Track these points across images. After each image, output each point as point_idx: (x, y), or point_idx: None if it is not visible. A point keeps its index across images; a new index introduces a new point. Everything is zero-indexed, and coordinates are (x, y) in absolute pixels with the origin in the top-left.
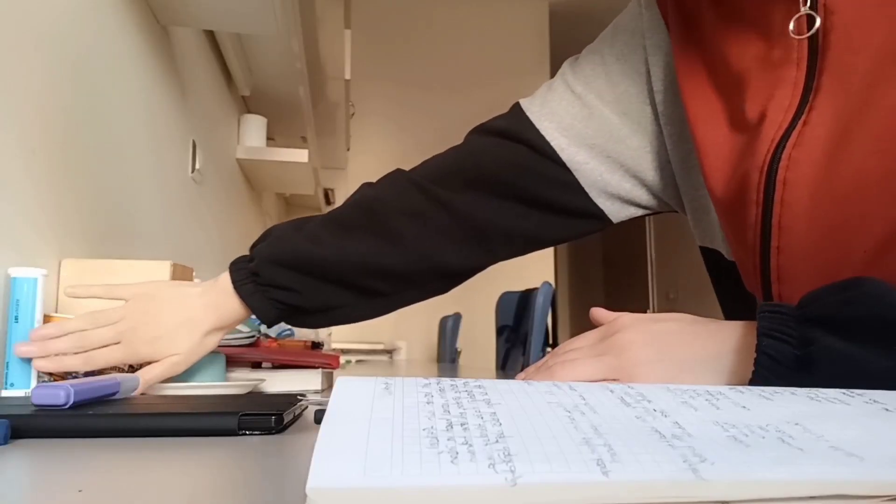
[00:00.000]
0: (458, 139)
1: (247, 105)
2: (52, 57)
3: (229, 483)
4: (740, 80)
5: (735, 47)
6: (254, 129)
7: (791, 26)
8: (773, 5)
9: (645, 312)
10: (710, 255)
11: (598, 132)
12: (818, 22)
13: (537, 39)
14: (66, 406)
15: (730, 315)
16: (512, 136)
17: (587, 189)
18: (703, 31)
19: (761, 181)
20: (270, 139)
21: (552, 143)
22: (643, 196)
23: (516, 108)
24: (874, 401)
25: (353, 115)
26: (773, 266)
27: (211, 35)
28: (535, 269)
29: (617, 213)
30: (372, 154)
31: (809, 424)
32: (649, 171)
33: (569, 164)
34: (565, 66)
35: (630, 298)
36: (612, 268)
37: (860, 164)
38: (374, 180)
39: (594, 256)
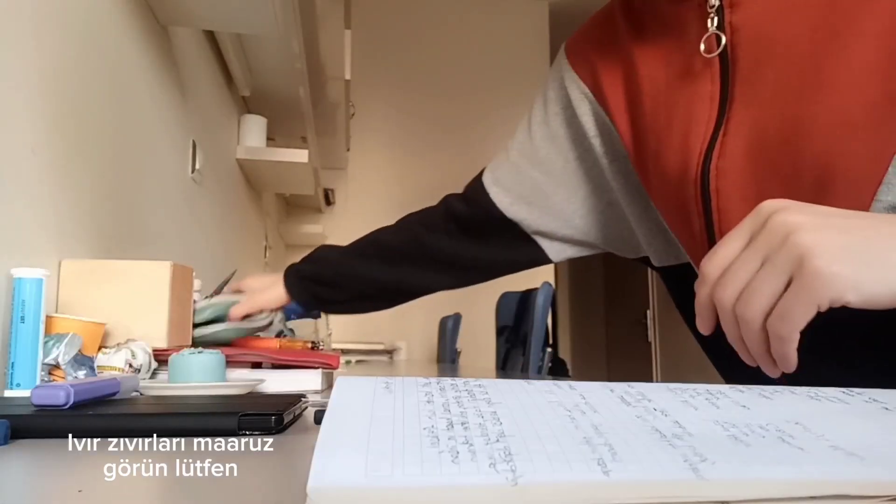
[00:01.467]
0: (458, 139)
1: (247, 105)
2: (52, 57)
3: (229, 483)
4: (663, 99)
5: (653, 69)
6: (254, 129)
7: (702, 46)
8: (685, 26)
9: (645, 312)
10: (671, 275)
11: (531, 191)
12: (724, 40)
13: (537, 39)
14: (66, 406)
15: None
16: (475, 203)
17: (531, 235)
18: (626, 64)
19: (696, 193)
20: (270, 139)
21: (498, 206)
22: (576, 235)
23: (479, 174)
24: (874, 399)
25: (353, 115)
26: None
27: (211, 35)
28: (535, 270)
29: (557, 253)
30: (372, 154)
31: (809, 424)
32: (577, 217)
33: (513, 219)
34: (516, 131)
35: (630, 298)
36: (612, 268)
37: (780, 167)
38: (373, 180)
39: (594, 256)
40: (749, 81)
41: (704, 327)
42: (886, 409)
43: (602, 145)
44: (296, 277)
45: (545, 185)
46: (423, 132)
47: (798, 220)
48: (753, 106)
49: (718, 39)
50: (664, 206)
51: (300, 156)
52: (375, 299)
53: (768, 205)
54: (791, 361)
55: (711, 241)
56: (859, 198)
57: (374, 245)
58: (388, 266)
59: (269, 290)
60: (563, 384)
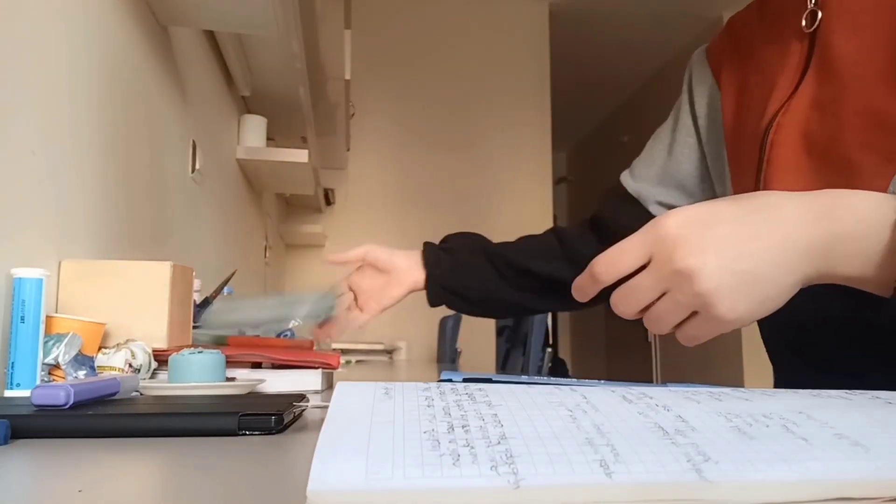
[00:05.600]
0: (458, 139)
1: (247, 105)
2: (52, 57)
3: (229, 483)
4: (758, 68)
5: (758, 41)
6: (254, 129)
7: (803, 22)
8: (793, 9)
9: None
10: None
11: (660, 172)
12: (819, 16)
13: (537, 39)
14: (66, 406)
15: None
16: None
17: (646, 205)
18: (749, 54)
19: (757, 147)
20: (270, 139)
21: (628, 189)
22: (683, 200)
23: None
24: (877, 397)
25: (353, 115)
26: None
27: (211, 35)
28: None
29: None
30: (372, 154)
31: (814, 412)
32: (690, 183)
33: (636, 195)
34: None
35: None
36: None
37: (822, 138)
38: (373, 180)
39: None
40: (823, 54)
41: (581, 295)
42: (889, 402)
43: (705, 126)
44: (440, 288)
45: (673, 165)
46: (423, 132)
47: (695, 265)
48: (822, 76)
49: (815, 15)
50: (733, 162)
51: (300, 156)
52: (500, 315)
53: (665, 227)
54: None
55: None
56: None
57: (529, 276)
58: (539, 298)
59: (395, 291)
60: (564, 386)
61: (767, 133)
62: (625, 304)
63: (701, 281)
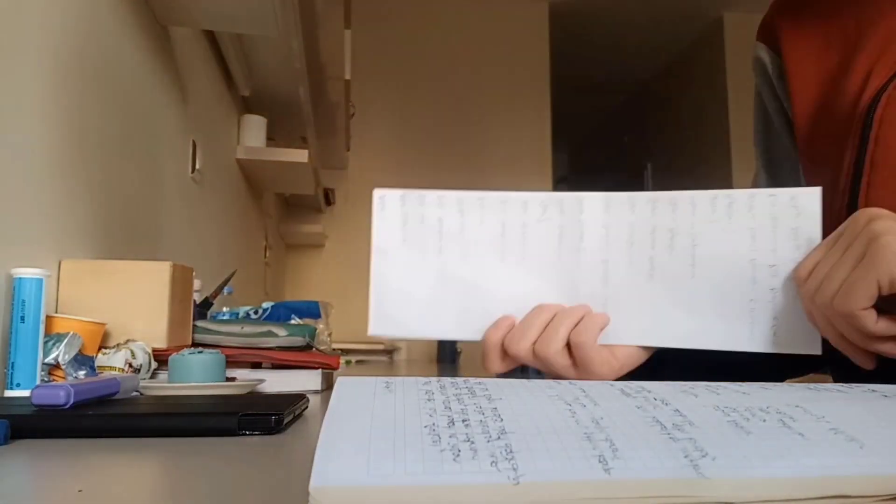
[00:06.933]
0: (458, 139)
1: (247, 105)
2: (52, 57)
3: (229, 483)
4: (852, 50)
5: (860, 13)
6: (254, 129)
7: None
8: None
9: None
10: None
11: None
12: None
13: (537, 39)
14: (66, 406)
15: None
16: None
17: None
18: (819, 21)
19: (860, 123)
20: (270, 139)
21: None
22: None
23: None
24: (872, 390)
25: (353, 115)
26: (861, 202)
27: (211, 35)
28: None
29: None
30: (372, 154)
31: (810, 406)
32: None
33: None
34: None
35: None
36: None
37: None
38: (373, 180)
39: None
40: None
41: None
42: (885, 395)
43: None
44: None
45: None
46: (423, 132)
47: (887, 225)
48: None
49: None
50: (818, 143)
51: (300, 156)
52: None
53: (866, 212)
54: (863, 338)
55: (858, 175)
56: None
57: None
58: None
59: None
60: (564, 381)
61: (873, 108)
62: (808, 283)
63: (887, 234)
